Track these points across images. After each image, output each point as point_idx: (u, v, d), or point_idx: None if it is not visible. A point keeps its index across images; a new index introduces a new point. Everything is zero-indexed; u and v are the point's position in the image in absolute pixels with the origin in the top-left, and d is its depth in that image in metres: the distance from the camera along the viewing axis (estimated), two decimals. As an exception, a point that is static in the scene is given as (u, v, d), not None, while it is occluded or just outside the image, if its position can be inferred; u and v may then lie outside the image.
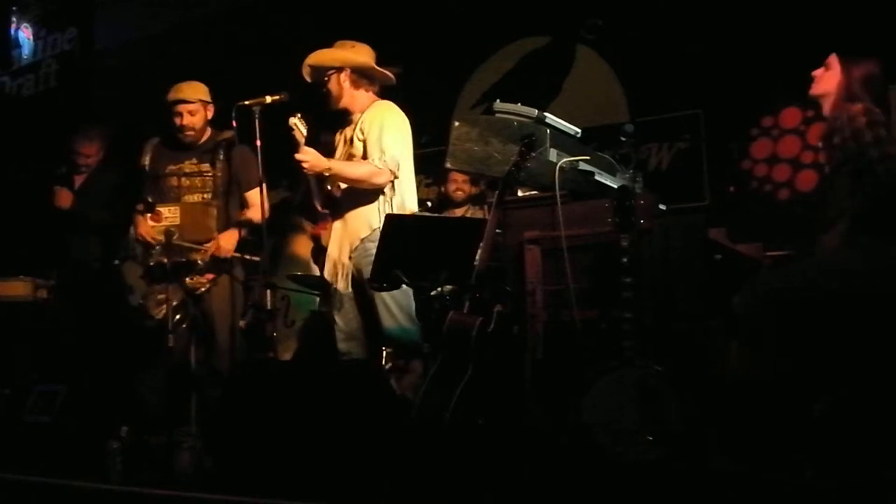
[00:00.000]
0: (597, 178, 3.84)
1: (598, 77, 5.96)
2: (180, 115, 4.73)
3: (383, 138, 4.26)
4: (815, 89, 3.60)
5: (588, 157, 3.85)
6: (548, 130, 3.78)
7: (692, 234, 3.69)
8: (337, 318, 4.38)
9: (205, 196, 4.76)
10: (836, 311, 3.31)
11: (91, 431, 4.25)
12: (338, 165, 4.31)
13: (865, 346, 3.29)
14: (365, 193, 4.30)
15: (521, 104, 3.89)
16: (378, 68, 4.42)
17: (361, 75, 4.41)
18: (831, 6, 4.99)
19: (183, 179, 4.77)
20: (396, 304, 4.17)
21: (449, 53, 4.63)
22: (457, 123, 4.04)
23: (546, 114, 3.85)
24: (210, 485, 3.64)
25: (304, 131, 4.22)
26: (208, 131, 4.86)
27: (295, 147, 4.20)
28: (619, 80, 5.88)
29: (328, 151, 4.42)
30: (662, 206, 3.89)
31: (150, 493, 3.60)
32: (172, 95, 4.75)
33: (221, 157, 4.74)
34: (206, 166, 4.77)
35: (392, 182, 4.30)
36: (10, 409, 4.62)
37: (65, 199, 5.50)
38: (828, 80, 3.55)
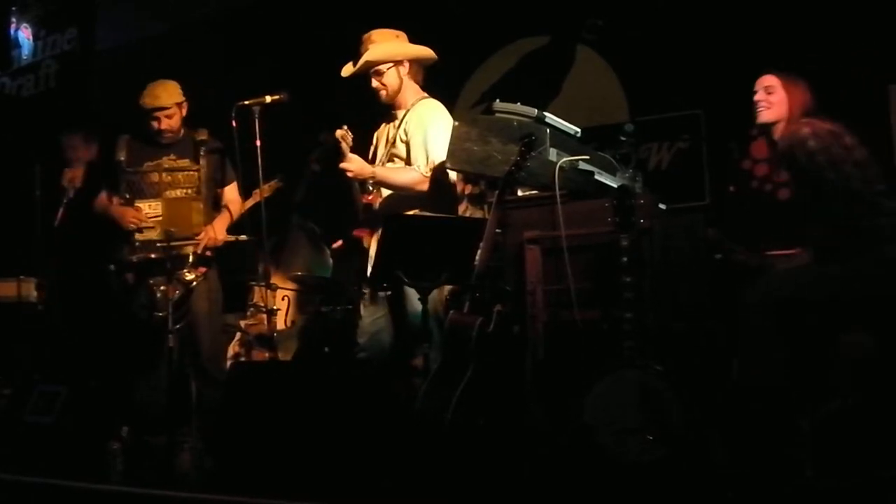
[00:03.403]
0: (597, 177, 3.84)
1: (598, 77, 5.95)
2: (158, 119, 4.73)
3: (429, 145, 4.21)
4: (767, 116, 3.60)
5: (588, 157, 3.85)
6: (548, 130, 3.78)
7: (692, 234, 3.69)
8: (364, 315, 4.37)
9: (188, 192, 4.77)
10: (837, 314, 3.32)
11: (92, 432, 4.25)
12: (382, 172, 4.26)
13: (866, 347, 3.29)
14: (406, 200, 4.26)
15: (521, 104, 3.89)
16: (434, 57, 4.40)
17: (420, 66, 4.40)
18: (830, 6, 4.99)
19: (163, 175, 4.76)
20: (414, 291, 4.14)
21: (448, 53, 4.63)
22: (456, 123, 4.04)
23: (546, 113, 3.85)
24: (210, 485, 3.65)
25: (350, 142, 4.15)
26: (182, 129, 4.87)
27: (340, 156, 4.15)
28: (619, 79, 5.88)
29: (332, 150, 4.37)
30: (662, 206, 3.89)
31: (151, 494, 3.60)
32: (149, 102, 4.73)
33: (203, 154, 4.75)
34: (186, 162, 4.77)
35: None
36: (11, 410, 4.62)
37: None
38: (778, 104, 3.57)
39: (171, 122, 4.75)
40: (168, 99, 4.74)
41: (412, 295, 4.13)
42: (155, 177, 4.76)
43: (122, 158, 4.80)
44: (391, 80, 4.35)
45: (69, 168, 5.64)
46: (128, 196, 4.72)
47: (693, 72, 5.41)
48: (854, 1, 4.95)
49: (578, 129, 4.00)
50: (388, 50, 4.36)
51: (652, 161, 5.67)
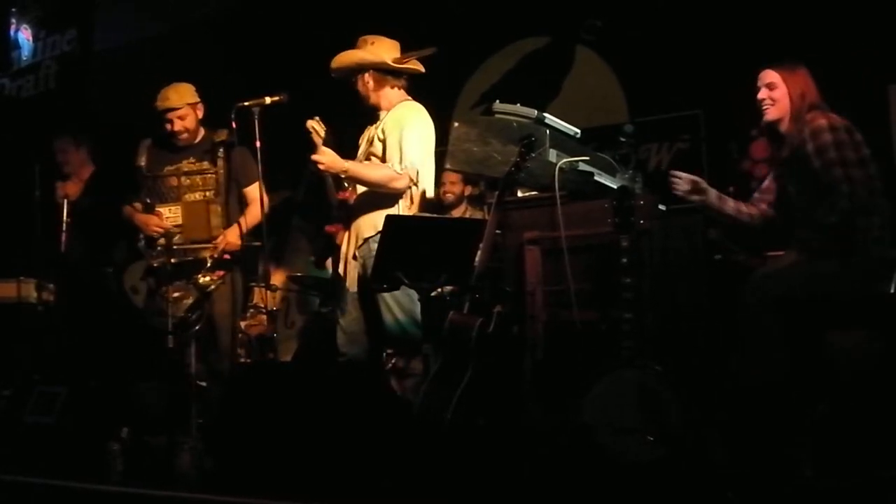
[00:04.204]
0: (596, 178, 3.84)
1: (597, 77, 5.96)
2: (171, 121, 4.73)
3: (404, 143, 4.22)
4: (772, 114, 3.54)
5: (587, 158, 3.85)
6: (547, 131, 3.78)
7: (692, 235, 3.69)
8: (341, 318, 4.37)
9: (206, 194, 4.76)
10: (832, 311, 3.33)
11: (92, 432, 4.24)
12: (355, 167, 4.25)
13: (866, 346, 3.30)
14: (381, 198, 4.26)
15: (521, 105, 3.89)
16: (396, 65, 4.38)
17: (385, 73, 4.38)
18: (831, 6, 4.99)
19: (182, 179, 4.76)
20: (396, 302, 4.16)
21: (448, 54, 4.63)
22: (456, 124, 4.04)
23: (545, 114, 3.85)
24: (210, 485, 3.64)
25: (322, 133, 4.16)
26: (202, 131, 4.85)
27: (312, 148, 4.15)
28: (618, 80, 5.88)
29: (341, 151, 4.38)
30: (662, 207, 3.89)
31: (151, 494, 3.60)
32: (160, 104, 4.75)
33: (221, 155, 4.74)
34: (205, 165, 4.77)
35: (410, 188, 4.26)
36: (11, 410, 4.62)
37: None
38: (781, 99, 3.51)
39: (184, 123, 4.74)
40: (178, 100, 4.74)
41: (391, 303, 4.15)
42: (174, 181, 4.77)
43: (143, 164, 4.82)
44: (359, 87, 4.39)
45: (62, 182, 5.63)
46: (148, 201, 4.73)
47: (692, 72, 5.41)
48: (854, 1, 4.96)
49: (578, 130, 4.00)
50: (343, 59, 4.40)
51: (652, 161, 5.68)
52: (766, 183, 3.78)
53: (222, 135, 4.74)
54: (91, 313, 5.39)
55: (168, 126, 4.74)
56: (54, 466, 4.01)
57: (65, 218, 5.47)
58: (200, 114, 4.84)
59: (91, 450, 4.07)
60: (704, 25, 5.41)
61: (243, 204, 4.82)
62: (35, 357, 5.40)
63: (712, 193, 3.75)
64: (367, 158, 4.36)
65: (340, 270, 4.37)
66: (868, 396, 3.27)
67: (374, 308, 4.23)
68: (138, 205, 4.78)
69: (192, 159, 4.79)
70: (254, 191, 4.72)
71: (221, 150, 4.74)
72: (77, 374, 4.86)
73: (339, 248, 4.40)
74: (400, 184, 4.22)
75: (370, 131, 4.44)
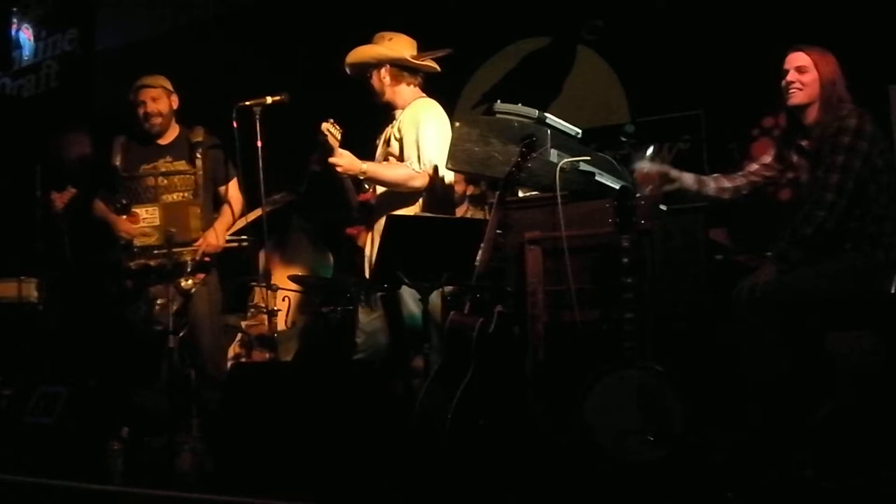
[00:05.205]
0: (597, 178, 3.85)
1: (598, 77, 5.96)
2: (143, 102, 4.66)
3: (420, 141, 4.20)
4: (799, 99, 3.39)
5: (589, 158, 3.86)
6: (548, 131, 3.79)
7: (692, 235, 3.69)
8: (361, 316, 4.38)
9: (185, 195, 4.69)
10: (836, 312, 3.33)
11: (92, 433, 4.25)
12: (373, 168, 4.25)
13: (866, 346, 3.30)
14: (402, 198, 4.26)
15: (522, 105, 3.89)
16: (415, 61, 4.37)
17: (401, 69, 4.37)
18: (830, 6, 4.99)
19: (160, 179, 4.68)
20: (412, 297, 4.15)
21: (449, 54, 4.64)
22: (457, 124, 4.05)
23: (547, 114, 3.85)
24: (211, 486, 3.65)
25: (338, 136, 4.13)
26: (176, 127, 4.79)
27: (329, 151, 4.13)
28: (619, 80, 5.88)
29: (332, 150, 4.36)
30: (663, 207, 3.89)
31: (151, 495, 3.60)
32: (136, 84, 4.72)
33: (199, 156, 4.69)
34: (182, 164, 4.71)
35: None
36: (11, 410, 4.62)
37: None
38: (810, 85, 3.36)
39: (157, 105, 4.67)
40: (154, 81, 4.71)
41: (407, 297, 4.14)
42: (151, 181, 4.68)
43: (118, 163, 4.72)
44: (375, 82, 4.38)
45: (57, 192, 5.58)
46: (124, 201, 4.65)
47: (693, 72, 5.41)
48: (854, 1, 4.95)
49: (579, 130, 4.00)
50: (360, 54, 4.38)
51: (652, 162, 5.66)
52: (764, 160, 3.73)
53: (199, 134, 4.70)
54: (91, 314, 5.38)
55: (141, 109, 4.66)
56: (54, 466, 4.01)
57: (66, 229, 5.45)
58: (175, 105, 4.77)
59: (91, 450, 4.07)
60: (705, 25, 5.41)
61: (218, 204, 4.80)
62: (35, 357, 5.40)
63: (687, 178, 3.73)
64: (386, 159, 4.35)
65: (366, 272, 4.35)
66: (868, 397, 3.27)
67: (396, 309, 4.23)
68: (117, 206, 4.70)
69: (168, 158, 4.72)
70: (230, 190, 4.76)
71: (200, 150, 4.69)
72: (77, 374, 4.86)
73: (362, 250, 4.39)
74: (419, 182, 4.21)
75: (387, 131, 4.44)
